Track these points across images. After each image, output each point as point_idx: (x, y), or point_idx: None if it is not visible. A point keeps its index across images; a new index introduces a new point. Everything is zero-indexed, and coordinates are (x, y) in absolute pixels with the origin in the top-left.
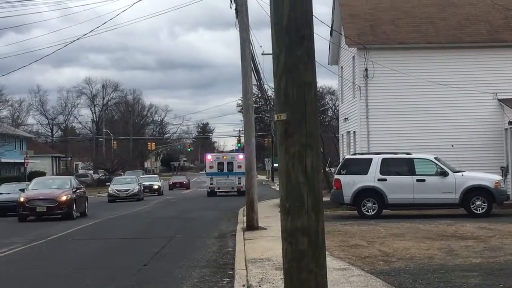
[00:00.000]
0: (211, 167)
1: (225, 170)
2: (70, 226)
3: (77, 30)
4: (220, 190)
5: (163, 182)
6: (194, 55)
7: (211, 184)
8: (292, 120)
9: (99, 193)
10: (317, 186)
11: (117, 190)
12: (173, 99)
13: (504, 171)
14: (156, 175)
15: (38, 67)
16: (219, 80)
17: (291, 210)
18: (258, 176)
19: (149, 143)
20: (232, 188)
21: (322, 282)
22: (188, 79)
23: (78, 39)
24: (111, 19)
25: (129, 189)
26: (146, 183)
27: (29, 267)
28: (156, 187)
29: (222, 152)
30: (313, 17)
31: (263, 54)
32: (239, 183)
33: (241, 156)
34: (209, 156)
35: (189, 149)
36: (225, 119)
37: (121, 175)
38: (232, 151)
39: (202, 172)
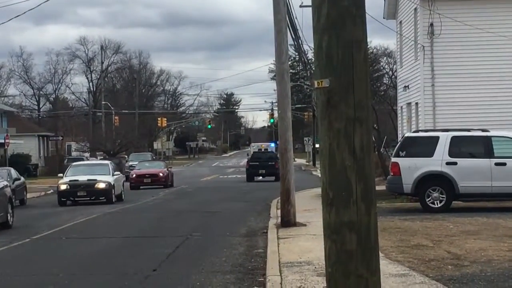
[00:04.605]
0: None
1: None
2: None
3: None
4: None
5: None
6: (210, 8)
7: None
8: (337, 87)
9: None
10: (368, 171)
11: None
12: (187, 63)
13: None
14: (108, 162)
15: (15, 24)
16: (243, 39)
17: (335, 200)
18: (296, 159)
19: (159, 119)
20: None
21: None
22: (204, 39)
23: None
24: None
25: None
26: (81, 179)
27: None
28: (102, 186)
29: (251, 129)
30: None
31: (301, 6)
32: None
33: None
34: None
35: (209, 126)
36: (253, 88)
37: (124, 158)
38: (263, 127)
39: (227, 155)
